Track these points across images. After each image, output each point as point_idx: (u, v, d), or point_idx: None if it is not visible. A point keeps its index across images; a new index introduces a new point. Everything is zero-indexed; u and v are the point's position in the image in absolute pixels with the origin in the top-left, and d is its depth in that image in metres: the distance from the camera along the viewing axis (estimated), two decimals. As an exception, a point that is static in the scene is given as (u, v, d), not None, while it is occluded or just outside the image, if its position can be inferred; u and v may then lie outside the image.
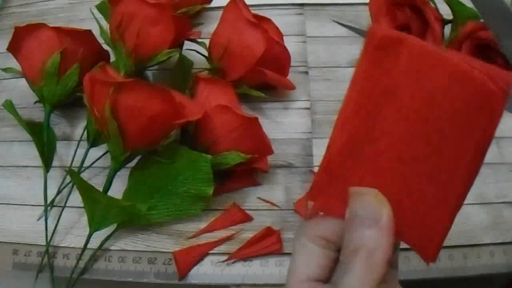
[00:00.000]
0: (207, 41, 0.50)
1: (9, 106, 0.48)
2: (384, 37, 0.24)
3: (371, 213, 0.24)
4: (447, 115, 0.22)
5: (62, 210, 0.45)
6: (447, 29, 0.51)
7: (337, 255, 0.26)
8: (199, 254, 0.42)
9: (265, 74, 0.47)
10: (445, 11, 0.50)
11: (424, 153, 0.23)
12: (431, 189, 0.24)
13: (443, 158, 0.23)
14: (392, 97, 0.24)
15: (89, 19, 0.53)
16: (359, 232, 0.23)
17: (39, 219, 0.45)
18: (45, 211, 0.44)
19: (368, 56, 0.24)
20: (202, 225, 0.44)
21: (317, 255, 0.26)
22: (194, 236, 0.43)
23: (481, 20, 0.48)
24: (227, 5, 0.48)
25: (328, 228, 0.26)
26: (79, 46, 0.47)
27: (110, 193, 0.42)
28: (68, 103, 0.50)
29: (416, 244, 0.25)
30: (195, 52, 0.51)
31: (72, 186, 0.46)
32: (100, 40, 0.49)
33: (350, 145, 0.25)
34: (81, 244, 0.42)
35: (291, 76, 0.51)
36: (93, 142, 0.47)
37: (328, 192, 0.26)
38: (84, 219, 0.42)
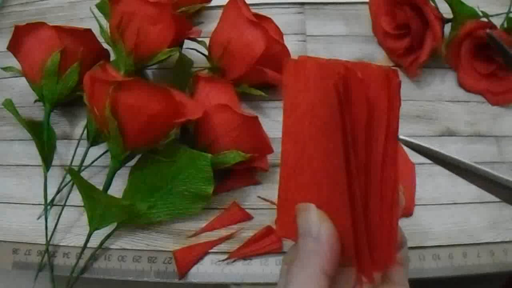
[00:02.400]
0: (207, 40, 0.50)
1: (9, 105, 0.48)
2: (290, 64, 0.26)
3: (310, 226, 0.25)
4: (358, 117, 0.23)
5: (62, 209, 0.45)
6: (447, 28, 0.51)
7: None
8: (199, 253, 0.42)
9: (265, 73, 0.47)
10: (445, 10, 0.50)
11: (328, 165, 0.24)
12: (337, 200, 0.24)
13: (331, 166, 0.24)
14: (309, 115, 0.25)
15: (89, 18, 0.53)
16: (301, 243, 0.24)
17: (39, 218, 0.45)
18: (45, 210, 0.44)
19: (285, 81, 0.27)
20: (202, 224, 0.44)
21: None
22: (194, 235, 0.44)
23: (482, 19, 0.48)
24: (227, 4, 0.48)
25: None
26: (79, 45, 0.47)
27: (110, 192, 0.42)
28: (68, 102, 0.50)
29: (375, 250, 0.25)
30: (195, 51, 0.51)
31: (72, 185, 0.46)
32: (100, 39, 0.49)
33: (291, 168, 0.26)
34: (81, 243, 0.42)
35: (291, 75, 0.50)
36: (93, 141, 0.47)
37: (286, 216, 0.27)
38: (84, 218, 0.42)
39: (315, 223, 0.24)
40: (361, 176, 0.23)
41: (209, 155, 0.42)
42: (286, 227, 0.27)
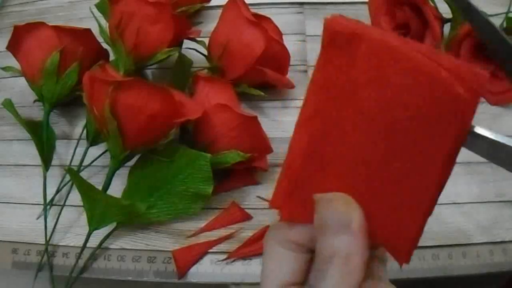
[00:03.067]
0: (206, 40, 0.50)
1: (9, 105, 0.48)
2: (337, 33, 0.22)
3: (340, 219, 0.22)
4: (413, 117, 0.21)
5: (62, 209, 0.45)
6: (447, 28, 0.51)
7: (310, 256, 0.25)
8: (198, 253, 0.42)
9: (265, 73, 0.47)
10: (445, 10, 0.50)
11: (390, 156, 0.22)
12: (400, 192, 0.22)
13: (410, 162, 0.22)
14: (352, 97, 0.22)
15: (88, 18, 0.53)
16: (330, 239, 0.22)
17: (38, 218, 0.45)
18: (45, 210, 0.44)
19: (324, 54, 0.22)
20: (202, 224, 0.44)
21: (288, 260, 0.25)
22: (193, 235, 0.43)
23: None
24: (227, 4, 0.48)
25: (297, 233, 0.25)
26: (79, 45, 0.47)
27: (109, 192, 0.42)
28: (67, 102, 0.50)
29: (389, 246, 0.24)
30: (194, 51, 0.51)
31: (72, 185, 0.46)
32: (100, 39, 0.49)
33: (311, 149, 0.24)
34: (81, 243, 0.42)
35: (291, 75, 0.51)
36: (93, 141, 0.47)
37: (293, 199, 0.25)
38: (84, 218, 0.42)
39: (349, 213, 0.22)
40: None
41: (209, 155, 0.42)
42: (294, 209, 0.24)
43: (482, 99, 0.51)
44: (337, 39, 0.22)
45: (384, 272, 0.26)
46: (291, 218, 0.25)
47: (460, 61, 0.20)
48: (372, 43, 0.21)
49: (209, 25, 0.56)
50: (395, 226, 0.23)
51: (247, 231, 0.43)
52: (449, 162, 0.21)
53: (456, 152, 0.21)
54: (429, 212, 0.23)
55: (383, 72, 0.21)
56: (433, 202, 0.22)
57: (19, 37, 0.47)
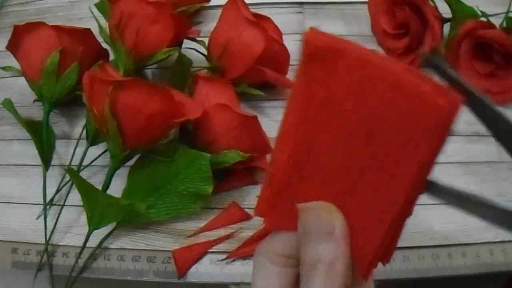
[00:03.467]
0: (206, 40, 0.50)
1: (8, 104, 0.48)
2: (316, 47, 0.22)
3: (324, 227, 0.23)
4: (392, 130, 0.21)
5: (61, 208, 0.45)
6: (446, 27, 0.51)
7: (298, 270, 0.25)
8: (198, 253, 0.42)
9: (264, 73, 0.46)
10: (444, 10, 0.50)
11: (368, 167, 0.22)
12: (374, 203, 0.23)
13: (387, 173, 0.22)
14: (332, 110, 0.23)
15: (88, 17, 0.53)
16: (314, 247, 0.23)
17: (38, 217, 0.45)
18: (44, 209, 0.44)
19: (303, 68, 0.23)
20: (201, 223, 0.44)
21: (277, 276, 0.25)
22: (193, 235, 0.43)
23: (482, 19, 0.48)
24: (226, 3, 0.48)
25: (284, 243, 0.25)
26: (78, 44, 0.47)
27: (109, 191, 0.42)
28: (67, 102, 0.50)
29: (356, 259, 0.24)
30: (194, 51, 0.51)
31: (71, 185, 0.46)
32: (99, 39, 0.49)
33: (293, 159, 0.24)
34: (80, 243, 0.42)
35: (291, 75, 0.50)
36: (92, 140, 0.47)
37: (276, 207, 0.25)
38: (83, 217, 0.42)
39: (331, 221, 0.23)
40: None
41: (208, 154, 0.42)
42: (278, 218, 0.25)
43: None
44: (316, 53, 0.22)
45: (372, 281, 0.26)
46: (275, 226, 0.25)
47: (435, 81, 0.20)
48: (351, 57, 0.22)
49: (209, 25, 0.56)
50: (365, 238, 0.23)
51: (247, 231, 0.43)
52: (420, 178, 0.22)
53: (430, 167, 0.22)
54: (397, 226, 0.23)
55: (363, 86, 0.22)
56: (402, 216, 0.23)
57: (19, 37, 0.47)
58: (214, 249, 0.43)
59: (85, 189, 0.40)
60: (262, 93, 0.48)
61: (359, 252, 0.24)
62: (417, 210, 0.24)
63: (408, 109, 0.21)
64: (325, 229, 0.23)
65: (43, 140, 0.47)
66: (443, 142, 0.21)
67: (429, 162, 0.22)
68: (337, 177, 0.23)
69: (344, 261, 0.22)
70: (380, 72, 0.21)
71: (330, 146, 0.23)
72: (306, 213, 0.24)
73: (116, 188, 0.43)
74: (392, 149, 0.22)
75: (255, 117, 0.42)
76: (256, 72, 0.46)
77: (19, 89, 0.54)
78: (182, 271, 0.42)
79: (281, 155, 0.24)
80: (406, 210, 0.23)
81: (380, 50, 0.55)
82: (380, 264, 0.25)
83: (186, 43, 0.51)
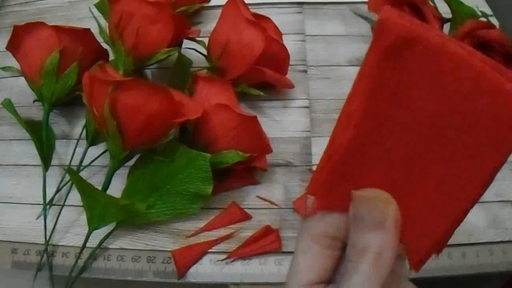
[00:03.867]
0: (206, 40, 0.50)
1: (8, 104, 0.48)
2: (393, 35, 0.22)
3: (377, 216, 0.23)
4: (467, 125, 0.21)
5: (61, 208, 0.45)
6: (446, 27, 0.51)
7: (342, 253, 0.25)
8: (198, 253, 0.42)
9: (264, 73, 0.47)
10: (444, 10, 0.50)
11: (435, 159, 0.22)
12: (436, 196, 0.23)
13: (456, 168, 0.22)
14: (404, 97, 0.22)
15: (88, 17, 0.53)
16: (365, 234, 0.23)
17: (38, 217, 0.45)
18: (44, 209, 0.44)
19: (378, 52, 0.22)
20: (201, 223, 0.44)
21: (322, 257, 0.25)
22: (193, 235, 0.43)
23: (482, 19, 0.48)
24: (226, 4, 0.48)
25: (332, 224, 0.25)
26: (78, 45, 0.47)
27: (109, 191, 0.42)
28: (67, 102, 0.50)
29: (410, 248, 0.24)
30: (194, 51, 0.51)
31: (71, 185, 0.46)
32: (99, 39, 0.49)
33: (356, 142, 0.24)
34: (80, 243, 0.42)
35: (290, 75, 0.51)
36: (92, 140, 0.47)
37: (330, 188, 0.25)
38: (83, 217, 0.42)
39: (386, 211, 0.23)
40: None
41: (208, 154, 0.42)
42: (330, 199, 0.25)
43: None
44: (392, 39, 0.22)
45: (404, 269, 0.26)
46: (326, 207, 0.25)
47: None
48: (429, 46, 0.21)
49: (208, 25, 0.56)
50: (421, 230, 0.23)
51: (246, 231, 0.43)
52: (492, 177, 0.21)
53: (500, 166, 0.21)
54: (457, 224, 0.23)
55: (440, 77, 0.21)
56: (464, 214, 0.22)
57: (19, 37, 0.47)
58: (214, 249, 0.43)
59: (85, 189, 0.40)
60: (262, 93, 0.48)
61: (412, 244, 0.24)
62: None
63: (489, 106, 0.20)
64: (377, 219, 0.23)
65: (43, 140, 0.47)
66: None
67: (504, 162, 0.21)
68: (399, 165, 0.23)
69: (391, 252, 0.23)
70: (459, 64, 0.20)
71: (397, 134, 0.23)
72: (360, 201, 0.24)
73: (116, 188, 0.43)
74: (466, 145, 0.21)
75: (255, 117, 0.42)
76: (256, 72, 0.46)
77: (19, 89, 0.54)
78: (182, 271, 0.42)
79: (341, 137, 0.24)
80: (471, 207, 0.22)
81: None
82: None
83: (186, 43, 0.51)
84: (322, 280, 0.25)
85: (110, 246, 0.43)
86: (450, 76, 0.21)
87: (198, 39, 0.50)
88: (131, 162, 0.43)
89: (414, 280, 0.40)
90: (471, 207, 0.22)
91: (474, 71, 0.20)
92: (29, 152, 0.49)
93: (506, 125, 0.20)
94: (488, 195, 0.44)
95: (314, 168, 0.46)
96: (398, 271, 0.26)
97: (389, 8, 0.22)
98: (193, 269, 0.42)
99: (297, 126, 0.50)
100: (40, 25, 0.46)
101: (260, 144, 0.44)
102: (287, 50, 0.48)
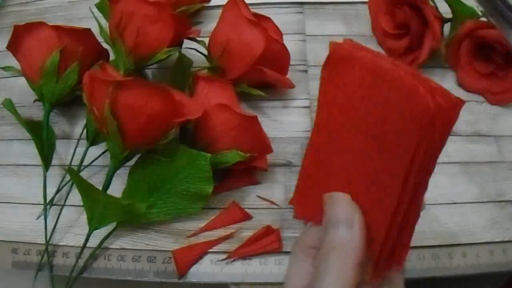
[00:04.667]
0: (206, 40, 0.50)
1: (9, 104, 0.48)
2: (335, 54, 0.25)
3: (344, 216, 0.25)
4: (394, 130, 0.23)
5: (62, 208, 0.45)
6: (447, 27, 0.51)
7: None
8: (198, 253, 0.42)
9: (265, 73, 0.47)
10: (445, 10, 0.50)
11: (378, 166, 0.24)
12: (380, 203, 0.24)
13: (389, 172, 0.24)
14: (349, 112, 0.25)
15: (88, 17, 0.53)
16: (332, 234, 0.24)
17: (38, 217, 0.45)
18: (45, 209, 0.44)
19: (325, 74, 0.26)
20: (202, 223, 0.44)
21: (306, 264, 0.27)
22: (193, 235, 0.44)
23: (482, 19, 0.48)
24: (227, 3, 0.48)
25: (313, 236, 0.27)
26: (79, 44, 0.47)
27: (109, 191, 0.42)
28: (67, 102, 0.50)
29: (370, 257, 0.25)
30: (194, 51, 0.51)
31: (72, 185, 0.46)
32: (100, 39, 0.49)
33: (318, 157, 0.27)
34: (81, 243, 0.42)
35: (291, 75, 0.51)
36: (93, 140, 0.47)
37: (305, 199, 0.27)
38: (84, 217, 0.42)
39: (349, 212, 0.25)
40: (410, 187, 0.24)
41: (209, 154, 0.42)
42: (305, 209, 0.28)
43: (482, 99, 0.51)
44: (334, 60, 0.25)
45: (401, 280, 0.28)
46: (303, 216, 0.28)
47: (439, 85, 0.22)
48: (364, 64, 0.24)
49: (209, 25, 0.56)
50: (374, 238, 0.25)
51: (247, 231, 0.43)
52: (414, 177, 0.23)
53: (426, 169, 0.23)
54: (392, 221, 0.24)
55: (373, 89, 0.24)
56: (395, 212, 0.24)
57: (19, 37, 0.47)
58: (214, 249, 0.43)
59: (85, 189, 0.40)
60: (262, 93, 0.48)
61: (371, 253, 0.25)
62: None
63: (407, 110, 0.22)
64: (345, 219, 0.25)
65: (43, 140, 0.47)
66: (435, 142, 0.22)
67: (422, 161, 0.22)
68: (357, 176, 0.25)
69: (356, 252, 0.24)
70: (388, 76, 0.23)
71: (351, 145, 0.25)
72: (329, 202, 0.26)
73: (116, 188, 0.43)
74: (393, 149, 0.23)
75: (255, 117, 0.42)
76: (256, 72, 0.46)
77: (19, 89, 0.54)
78: (182, 271, 0.42)
79: (310, 153, 0.27)
80: (407, 207, 0.24)
81: (380, 50, 0.55)
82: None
83: (186, 43, 0.51)
84: (307, 286, 0.26)
85: (111, 246, 0.43)
86: (380, 88, 0.23)
87: (198, 39, 0.50)
88: (131, 162, 0.43)
89: (414, 280, 0.40)
90: (410, 211, 0.24)
91: (397, 81, 0.23)
92: (30, 152, 0.49)
93: (415, 124, 0.22)
94: (489, 194, 0.45)
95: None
96: (393, 279, 0.26)
97: (349, 40, 0.26)
98: (193, 269, 0.42)
99: (297, 126, 0.50)
100: (40, 25, 0.46)
101: (260, 144, 0.44)
102: (287, 50, 0.48)
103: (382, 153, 0.24)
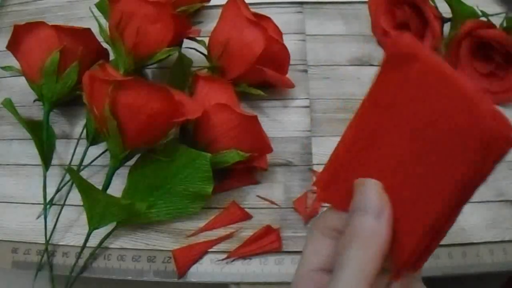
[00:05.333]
0: (206, 40, 0.50)
1: (9, 104, 0.48)
2: (397, 52, 0.24)
3: (373, 204, 0.24)
4: (447, 139, 0.22)
5: (62, 208, 0.45)
6: (446, 27, 0.51)
7: None
8: (198, 253, 0.42)
9: (265, 73, 0.47)
10: (445, 9, 0.50)
11: (419, 168, 0.24)
12: (419, 204, 0.24)
13: (433, 180, 0.23)
14: (400, 109, 0.24)
15: (88, 17, 0.53)
16: (357, 220, 0.24)
17: (38, 217, 0.45)
18: (45, 209, 0.44)
19: (384, 67, 0.25)
20: (202, 223, 0.44)
21: (326, 245, 0.26)
22: (193, 235, 0.44)
23: (482, 18, 0.48)
24: (227, 3, 0.48)
25: (335, 219, 0.26)
26: (79, 44, 0.47)
27: (109, 191, 0.42)
28: (67, 102, 0.50)
29: (393, 256, 0.25)
30: (194, 51, 0.51)
31: (72, 185, 0.46)
32: (100, 39, 0.49)
33: (357, 145, 0.26)
34: (80, 243, 0.42)
35: (291, 75, 0.51)
36: (93, 140, 0.47)
37: (334, 185, 0.27)
38: (84, 217, 0.42)
39: (380, 202, 0.24)
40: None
41: (209, 154, 0.42)
42: (330, 194, 0.27)
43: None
44: (397, 56, 0.24)
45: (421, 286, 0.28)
46: (326, 200, 0.28)
47: (498, 109, 0.22)
48: (426, 64, 0.23)
49: (209, 25, 0.56)
50: (403, 239, 0.24)
51: (247, 231, 0.43)
52: (462, 191, 0.23)
53: (473, 183, 0.23)
54: (429, 230, 0.24)
55: (429, 92, 0.23)
56: (435, 221, 0.23)
57: (19, 37, 0.47)
58: (214, 248, 0.43)
59: (85, 189, 0.40)
60: (262, 92, 0.48)
61: (396, 253, 0.24)
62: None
63: (466, 123, 0.22)
64: (374, 208, 0.24)
65: (43, 140, 0.47)
66: (489, 163, 0.22)
67: (472, 179, 0.22)
68: (392, 174, 0.25)
69: (381, 242, 0.23)
70: (450, 82, 0.22)
71: (392, 142, 0.25)
72: (361, 187, 0.25)
73: (116, 188, 0.43)
74: (441, 159, 0.23)
75: (255, 117, 0.42)
76: (256, 72, 0.46)
77: (19, 89, 0.54)
78: (182, 270, 0.42)
79: (348, 139, 0.26)
80: (445, 220, 0.24)
81: (379, 50, 0.55)
82: None
83: (186, 42, 0.51)
84: (324, 267, 0.26)
85: (111, 246, 0.43)
86: (439, 91, 0.23)
87: (198, 38, 0.50)
88: (131, 162, 0.43)
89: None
90: (447, 220, 0.24)
91: (460, 89, 0.22)
92: (30, 152, 0.49)
93: (473, 142, 0.22)
94: (489, 194, 0.45)
95: (315, 167, 0.46)
96: (412, 286, 0.26)
97: (409, 35, 0.25)
98: (193, 269, 0.42)
99: (297, 126, 0.50)
100: (40, 24, 0.46)
101: (260, 144, 0.44)
102: (287, 49, 0.48)
103: (426, 158, 0.23)
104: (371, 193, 0.24)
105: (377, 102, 0.25)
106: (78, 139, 0.49)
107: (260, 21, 0.46)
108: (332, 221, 0.26)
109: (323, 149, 0.47)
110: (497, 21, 0.48)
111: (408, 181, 0.24)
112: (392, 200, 0.24)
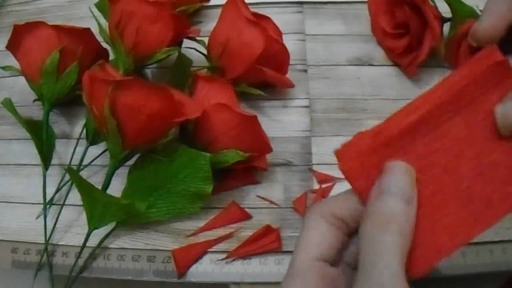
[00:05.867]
0: (206, 39, 0.50)
1: (8, 104, 0.48)
2: (498, 64, 0.24)
3: (406, 189, 0.23)
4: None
5: (61, 208, 0.45)
6: (446, 27, 0.51)
7: (346, 238, 0.25)
8: (198, 252, 0.42)
9: (264, 72, 0.46)
10: (444, 9, 0.50)
11: (472, 176, 0.23)
12: (459, 210, 0.24)
13: (487, 191, 0.23)
14: (474, 112, 0.24)
15: (88, 17, 0.53)
16: (390, 203, 0.23)
17: (38, 217, 0.45)
18: (44, 209, 0.44)
19: (474, 70, 0.25)
20: (201, 223, 0.44)
21: (329, 234, 0.25)
22: (193, 234, 0.44)
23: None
24: (226, 3, 0.48)
25: (342, 207, 0.25)
26: (78, 44, 0.47)
27: (109, 191, 0.42)
28: (67, 101, 0.50)
29: (417, 251, 0.24)
30: (194, 51, 0.51)
31: (71, 184, 0.46)
32: (99, 38, 0.49)
33: (411, 130, 0.25)
34: (80, 242, 0.42)
35: (290, 74, 0.50)
36: (92, 140, 0.47)
37: (362, 158, 0.25)
38: (83, 217, 0.42)
39: (411, 188, 0.23)
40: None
41: (208, 154, 0.42)
42: (355, 166, 0.26)
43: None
44: (495, 68, 0.24)
45: None
46: (347, 170, 0.26)
47: None
48: None
49: (208, 25, 0.56)
50: (432, 238, 0.24)
51: (246, 231, 0.43)
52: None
53: None
54: (465, 241, 0.24)
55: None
56: (477, 234, 0.23)
57: (19, 36, 0.47)
58: (214, 248, 0.43)
59: (85, 188, 0.40)
60: (262, 92, 0.48)
61: (418, 250, 0.24)
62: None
63: None
64: (406, 192, 0.23)
65: (43, 139, 0.47)
66: None
67: None
68: (436, 168, 0.24)
69: (412, 229, 0.22)
70: None
71: (449, 139, 0.24)
72: (392, 170, 0.24)
73: (116, 188, 0.43)
74: (505, 174, 0.23)
75: (255, 117, 0.42)
76: (256, 72, 0.46)
77: (19, 89, 0.54)
78: (182, 270, 0.42)
79: (404, 119, 0.25)
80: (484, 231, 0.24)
81: (379, 50, 0.55)
82: None
83: (186, 42, 0.51)
84: (326, 258, 0.25)
85: (110, 246, 0.43)
86: None
87: (198, 38, 0.50)
88: (131, 162, 0.43)
89: (414, 281, 0.40)
90: (484, 231, 0.24)
91: None
92: (29, 152, 0.49)
93: None
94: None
95: (314, 167, 0.46)
96: None
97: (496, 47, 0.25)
98: (193, 269, 0.42)
99: (297, 126, 0.50)
100: (40, 24, 0.46)
101: (260, 144, 0.44)
102: (287, 49, 0.48)
103: (485, 171, 0.23)
104: (405, 176, 0.24)
105: (452, 97, 0.25)
106: (78, 139, 0.49)
107: (260, 21, 0.46)
108: (337, 208, 0.25)
109: (323, 149, 0.47)
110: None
111: (455, 186, 0.24)
112: (423, 201, 0.24)
